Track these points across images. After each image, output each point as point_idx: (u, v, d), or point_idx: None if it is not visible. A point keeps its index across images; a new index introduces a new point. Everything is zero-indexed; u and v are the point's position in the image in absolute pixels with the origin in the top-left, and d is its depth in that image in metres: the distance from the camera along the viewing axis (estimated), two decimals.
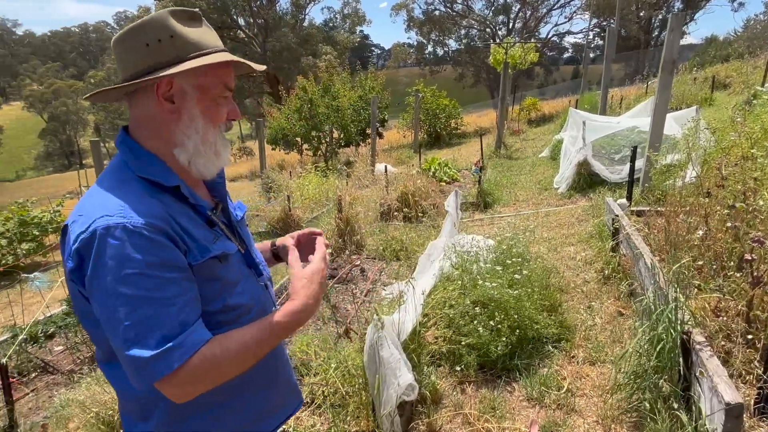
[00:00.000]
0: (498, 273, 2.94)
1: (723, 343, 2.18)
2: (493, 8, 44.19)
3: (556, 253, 4.38)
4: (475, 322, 2.71)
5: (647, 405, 2.05)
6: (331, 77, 14.47)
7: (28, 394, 3.54)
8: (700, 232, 2.60)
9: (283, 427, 1.26)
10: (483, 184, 6.63)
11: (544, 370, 2.68)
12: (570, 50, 59.53)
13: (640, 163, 5.04)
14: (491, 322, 2.68)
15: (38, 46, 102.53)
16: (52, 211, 8.97)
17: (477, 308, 2.79)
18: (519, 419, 2.37)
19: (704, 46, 27.38)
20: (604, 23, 38.59)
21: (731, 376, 1.97)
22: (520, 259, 3.10)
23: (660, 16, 38.81)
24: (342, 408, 2.41)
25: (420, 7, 44.84)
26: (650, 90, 13.66)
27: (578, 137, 6.80)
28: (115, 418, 2.48)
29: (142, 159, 1.00)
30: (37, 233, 8.44)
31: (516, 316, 2.75)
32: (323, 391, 2.47)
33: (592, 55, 38.13)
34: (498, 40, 37.70)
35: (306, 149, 14.28)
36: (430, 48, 50.25)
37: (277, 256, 1.40)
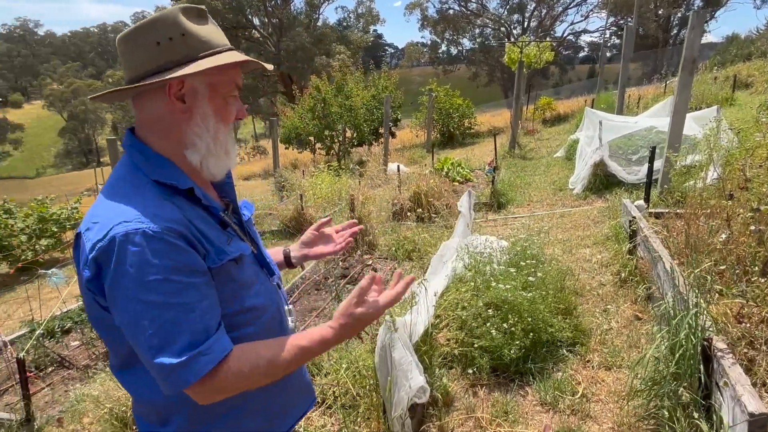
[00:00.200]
0: (512, 275, 2.90)
1: (746, 350, 2.11)
2: (507, 7, 43.82)
3: (571, 255, 4.31)
4: (488, 324, 2.68)
5: (666, 413, 1.99)
6: (344, 77, 14.49)
7: (44, 388, 3.60)
8: (723, 236, 2.53)
9: (294, 427, 1.25)
10: (496, 185, 6.57)
11: (559, 375, 2.64)
12: (586, 49, 58.77)
13: (658, 164, 4.93)
14: (504, 325, 2.64)
15: (59, 46, 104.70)
16: (69, 209, 9.13)
17: (490, 310, 2.75)
18: (532, 424, 2.33)
19: (725, 45, 26.80)
20: (622, 21, 38.00)
21: (754, 385, 1.91)
22: (534, 261, 3.05)
23: (679, 14, 38.10)
24: (352, 409, 2.39)
25: (434, 6, 44.68)
26: (669, 89, 13.39)
27: (594, 137, 6.69)
28: (128, 414, 2.51)
29: (154, 161, 0.98)
30: (56, 229, 8.60)
31: (530, 319, 2.71)
32: (334, 392, 2.46)
33: (608, 54, 37.55)
34: (513, 39, 37.38)
35: (319, 148, 14.33)
36: (443, 47, 50.03)
37: (289, 262, 1.39)
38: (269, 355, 0.95)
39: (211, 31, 1.02)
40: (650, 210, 4.05)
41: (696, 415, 1.90)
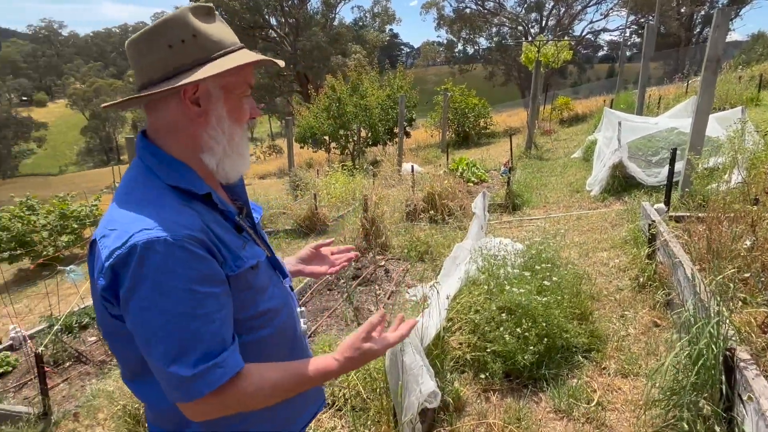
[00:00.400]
0: (526, 279, 2.84)
1: None
2: (525, 5, 43.34)
3: (587, 258, 4.22)
4: (501, 328, 2.63)
5: (685, 425, 1.93)
6: (359, 76, 14.50)
7: (61, 383, 3.66)
8: (747, 242, 2.44)
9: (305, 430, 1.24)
10: (512, 186, 6.48)
11: (573, 381, 2.58)
12: (605, 48, 57.76)
13: (679, 166, 4.81)
14: (518, 330, 2.59)
15: (82, 46, 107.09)
16: (89, 206, 9.31)
17: (503, 314, 2.70)
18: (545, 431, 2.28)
19: (751, 43, 26.07)
20: (642, 20, 37.25)
21: None
22: (549, 265, 2.99)
23: (702, 12, 37.20)
24: (363, 412, 2.38)
25: (450, 5, 44.46)
26: (691, 89, 13.08)
27: (613, 138, 6.55)
28: (141, 412, 2.53)
29: (169, 166, 0.96)
30: (76, 226, 8.78)
31: (544, 324, 2.65)
32: (344, 394, 2.45)
33: (628, 53, 36.85)
34: (530, 38, 36.96)
35: (334, 148, 14.36)
36: (460, 46, 49.73)
37: None
38: (274, 379, 0.94)
39: (221, 30, 1.00)
40: (670, 213, 3.95)
41: (717, 428, 1.83)
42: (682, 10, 36.89)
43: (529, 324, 2.63)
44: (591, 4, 40.56)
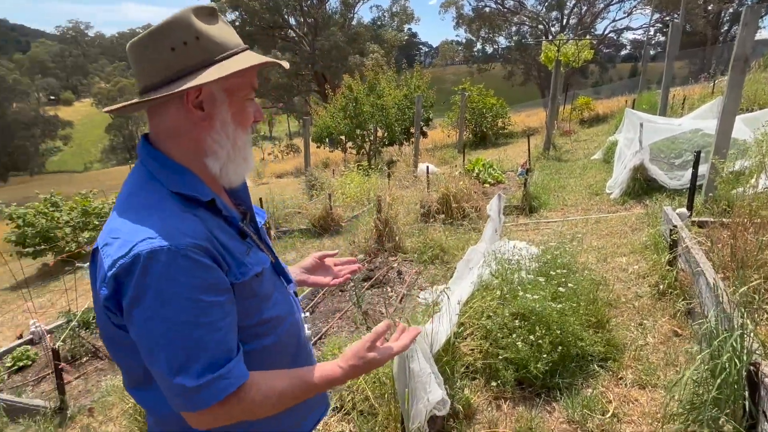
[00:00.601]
0: (540, 284, 2.78)
1: None
2: (546, 4, 42.69)
3: (605, 263, 4.12)
4: (514, 335, 2.57)
5: None
6: (376, 76, 14.48)
7: (76, 378, 3.73)
8: None
9: None
10: (529, 187, 6.37)
11: (588, 391, 2.50)
12: (628, 47, 56.53)
13: (703, 169, 4.65)
14: (531, 337, 2.53)
15: (107, 46, 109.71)
16: (110, 203, 9.52)
17: (516, 321, 2.64)
18: None
19: None
20: (667, 18, 36.32)
21: None
22: (565, 271, 2.91)
23: (731, 10, 36.08)
24: (371, 416, 2.35)
25: (470, 4, 44.08)
26: (717, 89, 12.69)
27: (634, 139, 6.39)
28: None
29: (172, 171, 0.94)
30: (97, 222, 8.97)
31: (559, 332, 2.59)
32: (352, 398, 2.42)
33: (652, 52, 36.02)
34: (551, 37, 36.41)
35: (350, 147, 14.38)
36: (479, 45, 49.26)
37: None
38: (280, 388, 0.94)
39: (224, 31, 0.98)
40: (693, 219, 3.82)
41: None
42: (710, 8, 35.85)
43: (543, 331, 2.57)
44: (614, 2, 39.75)
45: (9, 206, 8.61)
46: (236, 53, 0.97)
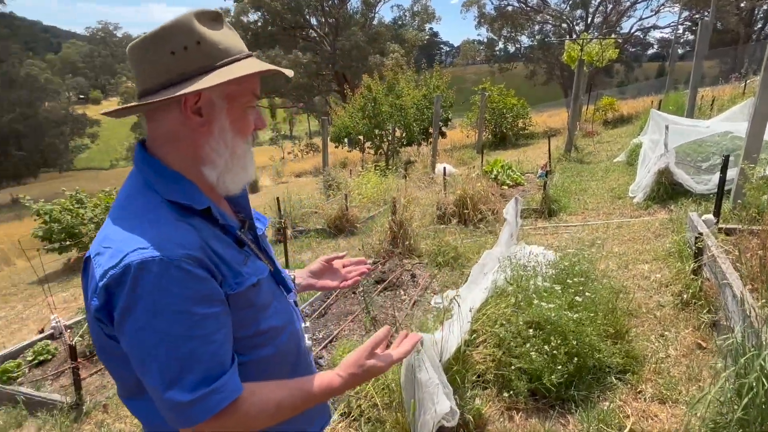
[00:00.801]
0: (556, 293, 2.69)
1: None
2: (570, 2, 41.92)
3: (626, 270, 3.98)
4: (528, 345, 2.50)
5: None
6: (395, 76, 14.43)
7: (93, 374, 3.79)
8: None
9: None
10: (549, 190, 6.24)
11: (605, 405, 2.41)
12: (655, 46, 55.06)
13: (732, 174, 4.46)
14: (546, 347, 2.45)
15: None
16: None
17: (531, 330, 2.57)
18: None
19: None
20: (697, 16, 35.22)
21: None
22: (583, 279, 2.82)
23: (765, 7, 34.80)
24: (379, 424, 2.31)
25: (492, 3, 43.64)
26: (749, 90, 12.24)
27: (659, 142, 6.18)
28: None
29: (168, 178, 0.92)
30: None
31: (575, 342, 2.50)
32: (360, 405, 2.39)
33: (680, 50, 34.99)
34: (574, 36, 35.74)
35: (368, 147, 14.38)
36: (500, 45, 48.73)
37: None
38: (277, 399, 0.91)
39: (228, 37, 0.95)
40: (720, 225, 3.66)
41: None
42: (742, 5, 34.62)
43: (558, 341, 2.49)
44: (640, 0, 38.80)
45: (37, 202, 8.86)
46: (239, 59, 0.94)
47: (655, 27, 41.36)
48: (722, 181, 4.01)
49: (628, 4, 39.23)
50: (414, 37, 39.70)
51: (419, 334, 1.08)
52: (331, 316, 3.68)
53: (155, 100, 0.88)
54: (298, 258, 5.74)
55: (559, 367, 2.43)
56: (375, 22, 39.54)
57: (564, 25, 42.46)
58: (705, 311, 2.94)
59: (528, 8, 42.06)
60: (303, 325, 1.16)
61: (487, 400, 2.49)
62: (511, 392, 2.46)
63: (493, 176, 7.89)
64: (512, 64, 47.48)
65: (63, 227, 8.62)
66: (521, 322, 2.61)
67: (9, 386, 3.50)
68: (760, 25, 36.59)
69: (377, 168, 9.57)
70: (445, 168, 7.22)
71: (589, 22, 41.28)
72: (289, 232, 6.64)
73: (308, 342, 1.15)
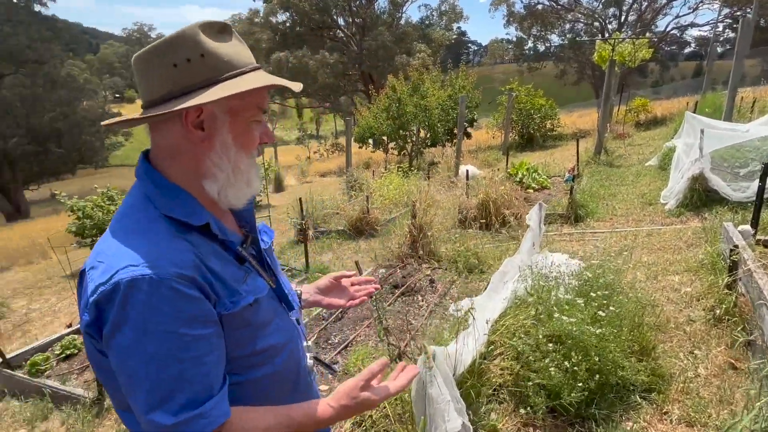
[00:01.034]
0: (579, 306, 2.59)
1: None
2: (603, 0, 40.78)
3: (655, 281, 3.82)
4: (547, 360, 2.41)
5: None
6: (421, 76, 14.34)
7: None
8: None
9: None
10: (575, 194, 6.06)
11: (628, 425, 2.31)
12: (692, 44, 52.94)
13: None
14: (566, 363, 2.36)
15: None
16: None
17: (551, 344, 2.47)
18: None
19: None
20: (738, 13, 33.70)
21: None
22: (607, 292, 2.70)
23: None
24: None
25: (521, 1, 42.85)
26: None
27: (694, 146, 5.92)
28: None
29: (167, 193, 0.90)
30: None
31: (597, 358, 2.39)
32: (371, 415, 2.35)
33: (720, 49, 33.55)
34: (607, 34, 34.76)
35: (392, 148, 14.33)
36: (530, 44, 47.81)
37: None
38: (265, 426, 0.88)
39: (235, 49, 0.92)
40: (758, 237, 3.46)
41: None
42: None
43: (579, 357, 2.39)
44: None
45: (71, 199, 9.18)
46: (244, 72, 0.92)
47: (692, 25, 39.77)
48: (761, 189, 3.80)
49: (664, 1, 37.87)
50: (441, 37, 39.37)
51: (417, 367, 1.04)
52: (347, 321, 3.66)
53: (156, 113, 0.87)
54: (319, 259, 5.76)
55: (580, 384, 2.33)
56: (402, 21, 39.40)
57: (596, 24, 41.34)
58: (739, 329, 2.78)
59: (559, 6, 41.13)
60: (305, 343, 1.13)
61: (503, 415, 2.41)
62: (529, 408, 2.38)
63: (518, 179, 7.74)
64: (542, 63, 46.53)
65: (95, 223, 8.90)
66: (541, 336, 2.53)
67: (37, 379, 3.61)
68: None
69: (400, 169, 9.52)
70: (468, 171, 7.11)
71: (622, 20, 40.07)
72: (310, 232, 6.67)
73: (310, 362, 1.12)
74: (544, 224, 4.72)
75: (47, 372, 3.83)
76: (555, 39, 44.51)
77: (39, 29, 28.18)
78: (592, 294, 2.67)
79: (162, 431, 0.78)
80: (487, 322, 2.41)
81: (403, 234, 4.85)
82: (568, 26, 43.31)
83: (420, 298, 3.92)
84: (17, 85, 26.79)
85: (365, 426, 2.37)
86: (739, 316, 2.88)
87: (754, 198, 3.97)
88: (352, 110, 21.46)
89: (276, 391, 1.00)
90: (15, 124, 25.31)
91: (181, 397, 0.79)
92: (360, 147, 15.06)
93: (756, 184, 4.31)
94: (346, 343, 3.31)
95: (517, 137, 15.28)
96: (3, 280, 8.37)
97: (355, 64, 35.38)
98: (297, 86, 1.01)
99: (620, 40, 13.24)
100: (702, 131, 5.58)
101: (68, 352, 4.16)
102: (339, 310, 3.84)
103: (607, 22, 41.10)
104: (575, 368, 2.36)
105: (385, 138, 14.03)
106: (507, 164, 8.85)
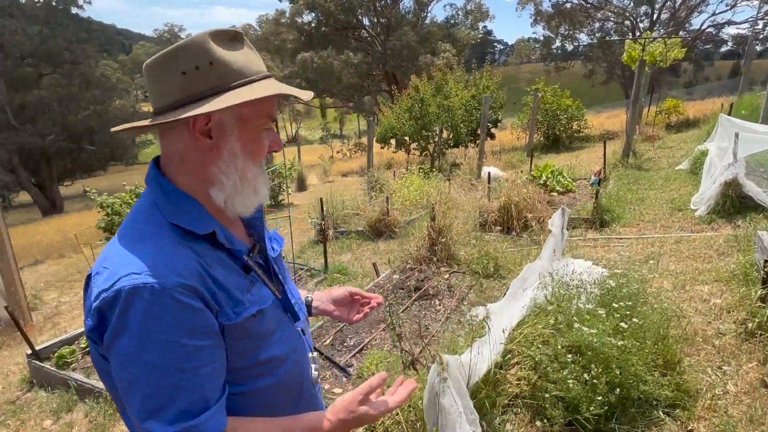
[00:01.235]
0: (600, 317, 2.51)
1: None
2: None
3: (683, 291, 3.67)
4: (566, 371, 2.34)
5: None
6: (444, 76, 14.23)
7: None
8: None
9: None
10: (601, 198, 5.90)
11: None
12: (729, 43, 51.03)
13: None
14: (585, 375, 2.29)
15: None
16: None
17: (570, 355, 2.40)
18: None
19: None
20: None
21: None
22: (630, 303, 2.61)
23: None
24: None
25: (549, 0, 42.09)
26: None
27: (728, 150, 5.69)
28: None
29: (174, 201, 0.91)
30: None
31: (618, 372, 2.31)
32: (383, 421, 2.33)
33: (759, 47, 32.22)
34: (638, 33, 33.78)
35: (414, 149, 14.27)
36: (557, 43, 46.93)
37: (308, 309, 1.30)
38: None
39: (246, 57, 0.92)
40: None
41: None
42: None
43: (600, 369, 2.31)
44: None
45: (101, 195, 9.47)
46: (252, 81, 0.91)
47: (729, 23, 38.28)
48: None
49: None
50: (466, 36, 39.05)
51: (415, 381, 1.03)
52: (363, 324, 3.65)
53: (163, 120, 0.87)
54: (338, 259, 5.77)
55: (599, 398, 2.26)
56: (427, 21, 39.26)
57: (627, 23, 40.25)
58: None
59: (588, 5, 40.21)
60: (310, 354, 1.12)
61: (519, 426, 2.36)
62: (545, 421, 2.32)
63: (542, 182, 7.59)
64: (569, 62, 45.64)
65: (123, 220, 9.16)
66: (559, 346, 2.46)
67: (63, 371, 3.72)
68: None
69: (421, 170, 9.47)
70: (489, 173, 7.01)
71: (654, 18, 38.89)
72: (330, 233, 6.69)
73: (314, 373, 1.11)
74: (568, 229, 4.61)
75: (73, 365, 3.95)
76: (583, 38, 43.57)
77: (76, 31, 29.25)
78: (614, 305, 2.58)
79: None
80: (503, 331, 2.36)
81: (422, 236, 4.81)
82: (597, 25, 42.34)
83: (437, 302, 3.88)
84: (54, 84, 27.89)
85: None
86: None
87: None
88: (375, 110, 21.48)
89: (280, 402, 0.99)
90: (51, 123, 26.33)
91: (177, 407, 0.79)
92: (382, 147, 15.05)
93: None
94: (361, 346, 3.30)
95: (542, 138, 15.00)
96: (37, 273, 8.70)
97: (379, 64, 35.43)
98: (307, 95, 1.00)
99: (651, 39, 12.79)
100: (736, 135, 5.35)
101: None
102: None
103: (638, 20, 39.97)
104: (595, 381, 2.28)
105: (407, 138, 13.98)
106: (531, 166, 8.69)
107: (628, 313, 2.55)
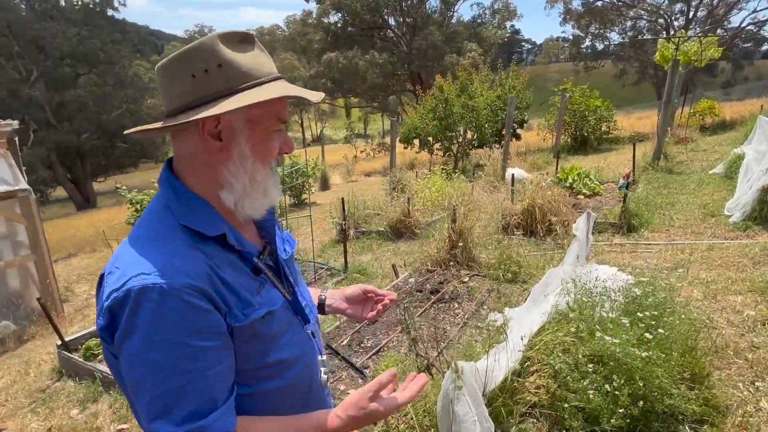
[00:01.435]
0: (624, 326, 2.42)
1: None
2: None
3: (714, 301, 3.52)
4: (587, 381, 2.27)
5: None
6: (469, 76, 14.08)
7: None
8: None
9: None
10: (629, 202, 5.72)
11: None
12: None
13: None
14: (607, 386, 2.21)
15: None
16: None
17: (591, 364, 2.33)
18: None
19: None
20: None
21: None
22: (655, 313, 2.51)
23: None
24: None
25: None
26: None
27: (766, 154, 5.44)
28: None
29: (186, 202, 0.92)
30: None
31: (641, 384, 2.23)
32: (398, 425, 2.31)
33: None
34: (672, 32, 32.69)
35: (437, 149, 14.17)
36: (587, 42, 45.87)
37: (322, 309, 1.29)
38: None
39: (256, 59, 0.92)
40: None
41: None
42: None
43: (622, 381, 2.23)
44: None
45: (130, 192, 9.76)
46: (262, 83, 0.91)
47: None
48: None
49: None
50: (493, 36, 38.56)
51: (426, 376, 1.02)
52: (380, 325, 3.64)
53: (174, 123, 0.88)
54: (358, 259, 5.78)
55: (621, 410, 2.18)
56: (453, 20, 38.96)
57: (660, 21, 38.98)
58: None
59: (620, 3, 39.14)
60: (320, 357, 1.12)
61: None
62: (564, 431, 2.26)
63: (567, 184, 7.42)
64: (599, 62, 44.54)
65: None
66: (581, 355, 2.39)
67: (90, 363, 3.84)
68: None
69: (443, 171, 9.39)
70: (513, 175, 6.90)
71: (690, 16, 37.55)
72: (351, 232, 6.71)
73: (323, 376, 1.10)
74: (593, 234, 4.49)
75: (99, 356, 4.07)
76: (615, 37, 42.45)
77: (111, 32, 30.29)
78: (639, 314, 2.49)
79: None
80: (522, 338, 2.31)
81: (443, 238, 4.77)
82: (629, 23, 41.19)
83: (456, 305, 3.83)
84: (90, 84, 28.96)
85: None
86: None
87: None
88: (399, 110, 21.43)
89: (288, 404, 0.99)
90: (87, 121, 27.34)
91: (184, 408, 0.79)
92: (405, 148, 15.00)
93: None
94: (377, 348, 3.29)
95: (569, 140, 14.67)
96: (70, 265, 9.02)
97: (405, 63, 35.36)
98: (316, 97, 0.99)
99: (685, 38, 12.33)
100: None
101: None
102: None
103: (673, 18, 38.68)
104: (617, 392, 2.21)
105: (430, 139, 13.89)
106: (557, 168, 8.51)
107: (653, 323, 2.45)
